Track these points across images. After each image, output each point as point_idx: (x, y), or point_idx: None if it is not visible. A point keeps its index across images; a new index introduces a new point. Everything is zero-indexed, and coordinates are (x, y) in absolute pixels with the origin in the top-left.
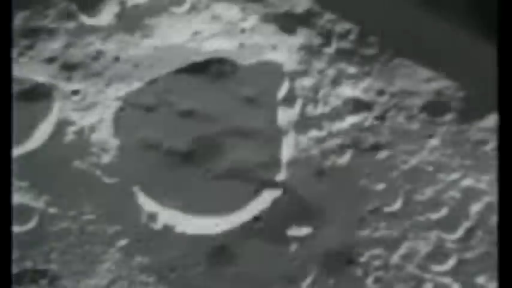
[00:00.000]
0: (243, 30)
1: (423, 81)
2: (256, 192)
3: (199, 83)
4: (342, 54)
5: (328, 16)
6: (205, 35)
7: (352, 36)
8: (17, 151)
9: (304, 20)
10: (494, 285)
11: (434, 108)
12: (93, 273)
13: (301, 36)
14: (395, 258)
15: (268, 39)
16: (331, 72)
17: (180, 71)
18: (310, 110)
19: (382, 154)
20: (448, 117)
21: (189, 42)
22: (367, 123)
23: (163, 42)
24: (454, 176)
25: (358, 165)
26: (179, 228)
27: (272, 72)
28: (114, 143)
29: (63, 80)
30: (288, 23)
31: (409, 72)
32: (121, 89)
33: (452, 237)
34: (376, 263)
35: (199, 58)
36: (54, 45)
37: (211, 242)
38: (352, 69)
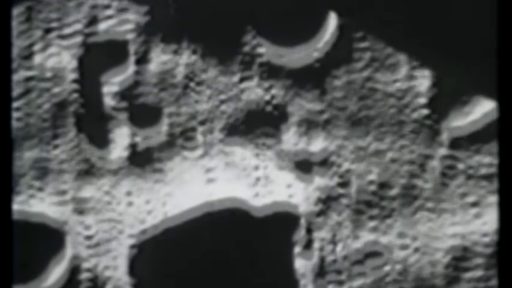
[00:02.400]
0: (257, 178)
1: (447, 237)
2: None
3: (213, 234)
4: (361, 205)
5: (347, 164)
6: (218, 182)
7: (372, 187)
8: None
9: (322, 168)
10: None
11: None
12: None
13: (319, 185)
14: None
15: (284, 187)
16: (348, 223)
17: (194, 221)
18: (328, 260)
19: None
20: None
21: (202, 188)
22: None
23: (176, 187)
24: None
25: None
26: None
27: (288, 223)
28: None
29: (76, 224)
30: (304, 170)
31: (433, 226)
32: (134, 236)
33: None
34: None
35: (213, 208)
36: (65, 186)
37: None
38: (371, 222)
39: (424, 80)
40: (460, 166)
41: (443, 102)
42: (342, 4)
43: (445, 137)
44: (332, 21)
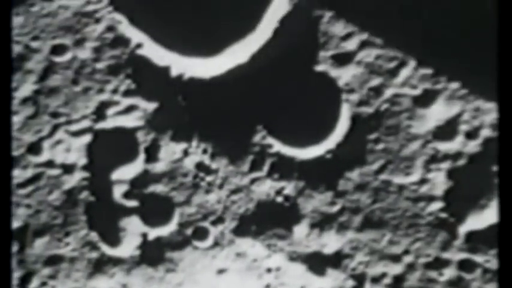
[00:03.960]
0: (268, 270)
1: None
2: None
3: None
4: None
5: (360, 257)
6: (229, 272)
7: (387, 280)
8: None
9: (335, 261)
10: None
11: None
12: None
13: (332, 279)
14: None
15: (296, 280)
16: None
17: None
18: None
19: None
20: None
21: (213, 279)
22: None
23: (187, 277)
24: None
25: None
26: None
27: None
28: None
29: None
30: (316, 263)
31: None
32: None
33: None
34: None
35: None
36: (77, 275)
37: None
38: None
39: (440, 183)
40: (478, 269)
41: (460, 206)
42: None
43: (462, 240)
44: (344, 117)
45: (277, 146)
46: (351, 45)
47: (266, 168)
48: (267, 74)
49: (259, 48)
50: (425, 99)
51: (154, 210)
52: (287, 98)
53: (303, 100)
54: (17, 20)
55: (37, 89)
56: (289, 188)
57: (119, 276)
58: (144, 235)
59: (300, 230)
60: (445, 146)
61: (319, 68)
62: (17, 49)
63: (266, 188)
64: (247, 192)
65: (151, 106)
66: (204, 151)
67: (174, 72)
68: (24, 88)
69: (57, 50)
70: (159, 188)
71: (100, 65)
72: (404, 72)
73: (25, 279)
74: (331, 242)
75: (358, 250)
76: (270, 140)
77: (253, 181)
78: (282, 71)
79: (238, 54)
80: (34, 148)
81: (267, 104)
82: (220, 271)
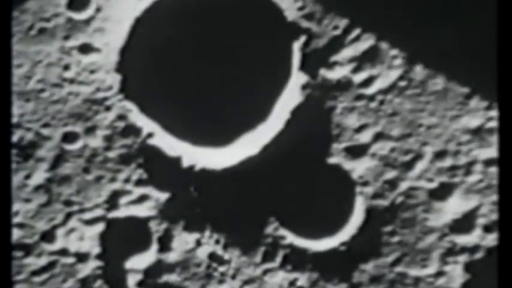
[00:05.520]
0: None
1: None
2: None
3: None
4: None
5: None
6: None
7: None
8: None
9: None
10: None
11: None
12: None
13: None
14: None
15: None
16: None
17: None
18: None
19: None
20: None
21: None
22: None
23: None
24: None
25: None
26: None
27: None
28: None
29: None
30: None
31: None
32: None
33: None
34: None
35: None
36: None
37: None
38: None
39: (457, 276)
40: None
41: None
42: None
43: None
44: (359, 208)
45: (290, 238)
46: (365, 137)
47: (279, 259)
48: (279, 165)
49: (270, 140)
50: (442, 192)
51: None
52: (299, 190)
53: (316, 192)
54: (27, 106)
55: (49, 177)
56: (303, 279)
57: None
58: None
59: None
60: (462, 239)
61: (333, 160)
62: (28, 136)
63: (279, 279)
64: (260, 283)
65: (163, 196)
66: (217, 241)
67: (186, 163)
68: (37, 176)
69: (68, 137)
70: (172, 278)
71: (111, 154)
72: (420, 165)
73: None
74: None
75: None
76: (282, 232)
77: (265, 272)
78: (294, 163)
79: (249, 144)
80: (48, 236)
81: (279, 195)
82: None
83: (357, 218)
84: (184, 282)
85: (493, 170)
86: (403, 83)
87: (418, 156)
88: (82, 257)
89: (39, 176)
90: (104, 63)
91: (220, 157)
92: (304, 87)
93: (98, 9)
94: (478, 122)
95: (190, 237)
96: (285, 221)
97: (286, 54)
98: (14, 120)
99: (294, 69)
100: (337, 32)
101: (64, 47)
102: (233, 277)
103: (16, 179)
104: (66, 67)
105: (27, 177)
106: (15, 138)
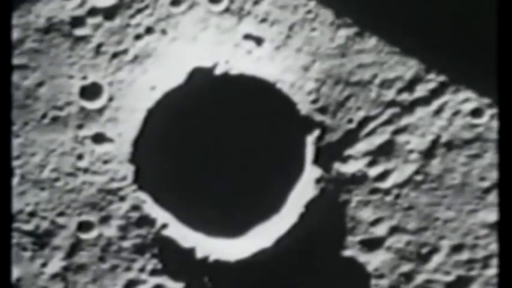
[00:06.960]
0: None
1: None
2: None
3: None
4: None
5: None
6: None
7: None
8: None
9: None
10: None
11: None
12: None
13: None
14: None
15: None
16: None
17: None
18: None
19: None
20: None
21: None
22: None
23: None
24: None
25: None
26: None
27: None
28: None
29: None
30: None
31: None
32: None
33: None
34: None
35: None
36: None
37: None
38: None
39: None
40: None
41: None
42: None
43: None
44: None
45: None
46: (380, 230)
47: None
48: (293, 258)
49: (284, 233)
50: (459, 285)
51: None
52: (313, 283)
53: (330, 285)
54: (42, 195)
55: (65, 265)
56: None
57: None
58: None
59: None
60: None
61: (347, 253)
62: (44, 225)
63: None
64: None
65: (178, 286)
66: None
67: (199, 254)
68: (53, 264)
69: (83, 226)
70: None
71: (126, 244)
72: (437, 258)
73: None
74: None
75: None
76: None
77: None
78: (308, 255)
79: (262, 237)
80: None
81: None
82: None
83: None
84: None
85: None
86: (419, 177)
87: (435, 250)
88: None
89: (55, 264)
90: (117, 153)
91: (234, 248)
92: (318, 181)
93: (111, 99)
94: (495, 216)
95: None
96: None
97: (300, 147)
98: (29, 208)
99: (307, 163)
100: (352, 126)
101: (77, 137)
102: None
103: (32, 267)
104: (80, 157)
105: (44, 265)
106: (30, 226)
